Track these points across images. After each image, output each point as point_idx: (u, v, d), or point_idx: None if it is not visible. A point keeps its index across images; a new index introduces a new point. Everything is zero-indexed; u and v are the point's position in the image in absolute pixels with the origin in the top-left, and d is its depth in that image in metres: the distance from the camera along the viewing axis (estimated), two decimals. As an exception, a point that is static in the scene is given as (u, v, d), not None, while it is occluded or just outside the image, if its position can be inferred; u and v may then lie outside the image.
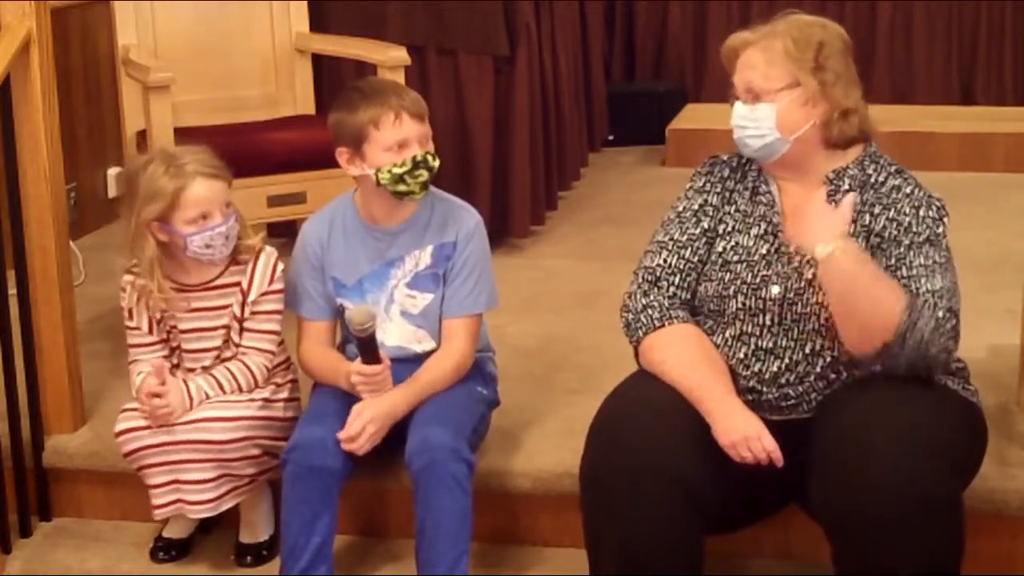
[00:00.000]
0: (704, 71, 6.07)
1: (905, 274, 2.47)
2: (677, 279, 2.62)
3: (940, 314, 2.42)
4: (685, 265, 2.62)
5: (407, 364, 2.84)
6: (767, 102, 2.53)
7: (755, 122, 2.54)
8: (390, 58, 3.64)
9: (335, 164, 2.87)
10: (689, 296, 2.62)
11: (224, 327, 2.87)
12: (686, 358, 2.52)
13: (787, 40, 2.53)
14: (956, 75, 6.00)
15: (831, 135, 2.55)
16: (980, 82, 5.98)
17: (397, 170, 2.76)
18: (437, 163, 2.80)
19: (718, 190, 2.65)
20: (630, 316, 2.62)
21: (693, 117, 5.67)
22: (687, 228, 2.64)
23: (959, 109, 5.79)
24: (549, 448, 2.98)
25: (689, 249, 2.62)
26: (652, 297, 2.61)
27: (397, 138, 2.75)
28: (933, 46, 5.96)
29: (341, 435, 2.69)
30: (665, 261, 2.62)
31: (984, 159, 5.23)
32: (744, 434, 2.41)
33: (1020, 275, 3.23)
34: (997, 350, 3.24)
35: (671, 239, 2.64)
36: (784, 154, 2.56)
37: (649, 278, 2.63)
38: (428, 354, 2.87)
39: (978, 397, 2.60)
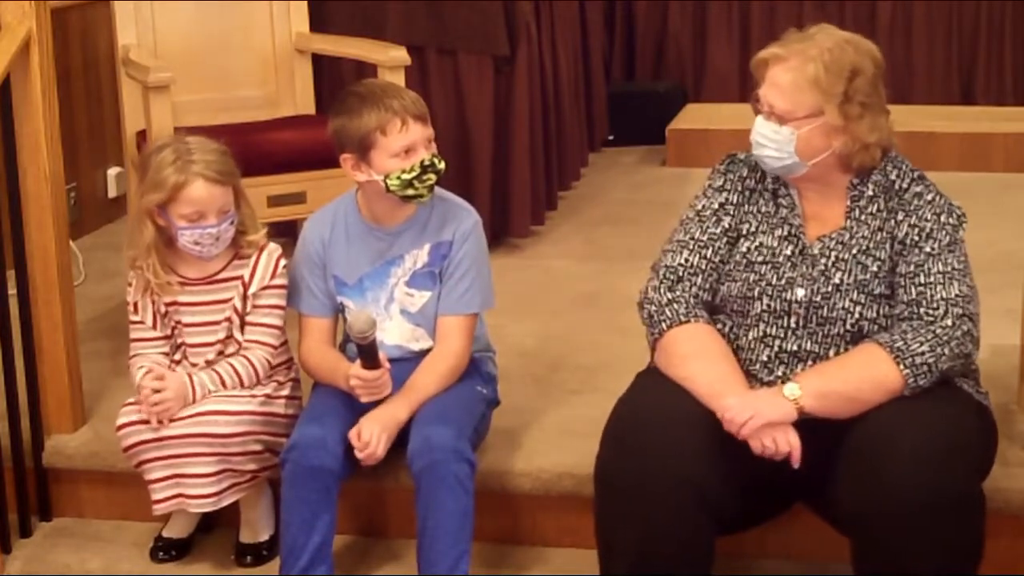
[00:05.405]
0: (704, 71, 6.06)
1: (923, 281, 2.48)
2: (699, 279, 2.60)
3: (949, 322, 2.43)
4: (707, 265, 2.60)
5: (406, 363, 2.84)
6: (789, 126, 2.50)
7: (776, 143, 2.52)
8: (390, 58, 3.64)
9: (335, 164, 2.87)
10: (710, 297, 2.61)
11: (227, 320, 2.87)
12: (711, 354, 2.51)
13: (819, 66, 2.47)
14: (956, 75, 6.00)
15: (850, 164, 2.54)
16: (980, 82, 5.97)
17: (406, 176, 2.76)
18: (443, 165, 2.80)
19: (739, 188, 2.64)
20: (653, 308, 2.59)
21: (693, 117, 5.67)
22: (707, 227, 2.62)
23: (959, 109, 5.78)
24: (549, 448, 2.98)
25: (711, 249, 2.61)
26: (677, 292, 2.59)
27: (404, 144, 2.75)
28: (933, 46, 5.96)
29: (358, 454, 2.69)
30: (687, 260, 2.61)
31: (984, 159, 5.23)
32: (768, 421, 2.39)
33: (1020, 275, 3.23)
34: (997, 350, 3.23)
35: (692, 238, 2.62)
36: (803, 173, 2.55)
37: (671, 276, 2.60)
38: (425, 352, 2.87)
39: (988, 399, 2.61)
